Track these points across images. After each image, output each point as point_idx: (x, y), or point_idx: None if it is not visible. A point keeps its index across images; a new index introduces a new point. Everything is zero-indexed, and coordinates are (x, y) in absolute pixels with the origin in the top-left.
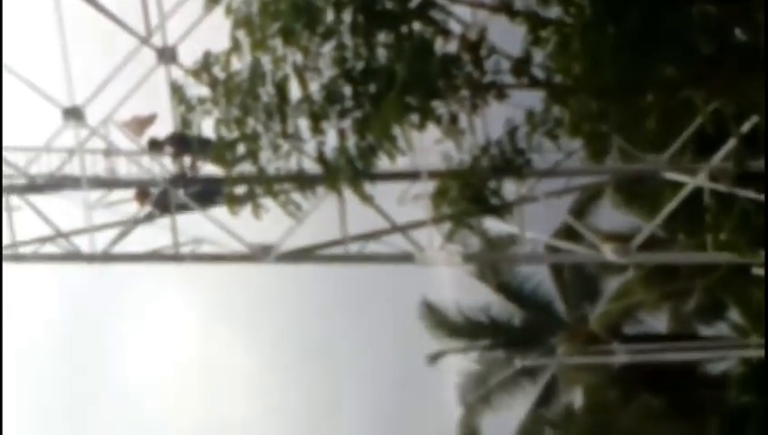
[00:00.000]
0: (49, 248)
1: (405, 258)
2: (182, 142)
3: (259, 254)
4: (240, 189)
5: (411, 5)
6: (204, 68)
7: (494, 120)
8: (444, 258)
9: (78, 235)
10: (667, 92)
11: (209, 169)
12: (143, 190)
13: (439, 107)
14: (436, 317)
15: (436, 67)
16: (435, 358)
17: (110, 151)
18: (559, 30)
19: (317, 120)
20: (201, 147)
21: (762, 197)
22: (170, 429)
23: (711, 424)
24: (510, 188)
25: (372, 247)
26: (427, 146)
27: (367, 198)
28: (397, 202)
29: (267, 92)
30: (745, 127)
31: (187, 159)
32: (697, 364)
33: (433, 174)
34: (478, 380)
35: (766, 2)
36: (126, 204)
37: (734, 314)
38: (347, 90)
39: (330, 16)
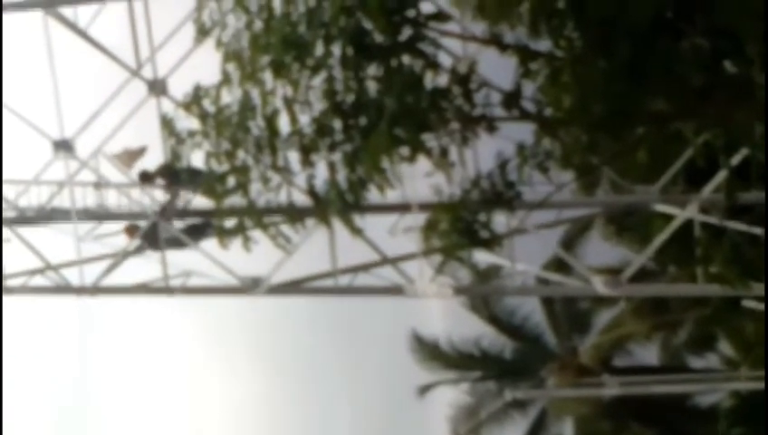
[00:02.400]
0: (38, 281)
1: (395, 291)
2: (172, 174)
3: (249, 286)
4: (230, 222)
5: (401, 38)
6: (194, 101)
7: (484, 152)
8: (434, 291)
9: (67, 267)
10: (658, 125)
11: (199, 201)
12: (132, 225)
13: (429, 140)
14: (426, 349)
15: (426, 100)
16: (425, 389)
17: (100, 184)
18: (549, 63)
19: (307, 152)
20: (191, 178)
21: (753, 229)
22: None
23: None
24: (500, 221)
25: (362, 280)
26: (418, 178)
27: (356, 231)
28: (387, 234)
29: (257, 125)
30: (736, 159)
31: (176, 192)
32: (687, 397)
33: (423, 206)
34: (469, 412)
35: (766, 36)
36: (116, 236)
37: (725, 347)
38: (337, 123)
39: (319, 50)
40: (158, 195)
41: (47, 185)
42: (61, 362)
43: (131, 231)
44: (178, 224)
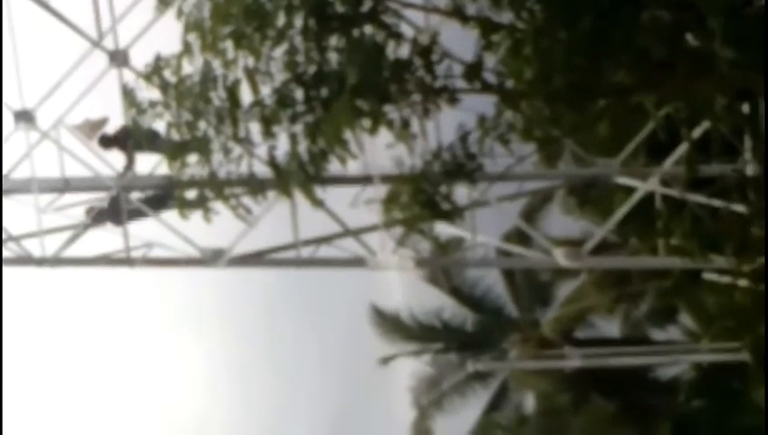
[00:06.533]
0: None
1: (357, 262)
2: (132, 136)
3: (210, 258)
4: (191, 193)
5: (363, 9)
6: (155, 71)
7: (445, 124)
8: (396, 262)
9: (28, 238)
10: (619, 97)
11: (161, 170)
12: (92, 207)
13: (391, 111)
14: (387, 322)
15: (387, 71)
16: (387, 360)
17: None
18: (511, 35)
19: (268, 124)
20: (151, 141)
21: (713, 201)
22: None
23: (662, 429)
24: (461, 193)
25: (324, 251)
26: (379, 150)
27: (318, 202)
28: (349, 206)
29: (218, 96)
30: (697, 132)
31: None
32: (649, 369)
33: (385, 178)
34: (431, 383)
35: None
36: (77, 208)
37: (686, 319)
38: (298, 94)
39: (281, 20)
40: (119, 163)
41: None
42: (25, 334)
43: (91, 213)
44: (138, 195)
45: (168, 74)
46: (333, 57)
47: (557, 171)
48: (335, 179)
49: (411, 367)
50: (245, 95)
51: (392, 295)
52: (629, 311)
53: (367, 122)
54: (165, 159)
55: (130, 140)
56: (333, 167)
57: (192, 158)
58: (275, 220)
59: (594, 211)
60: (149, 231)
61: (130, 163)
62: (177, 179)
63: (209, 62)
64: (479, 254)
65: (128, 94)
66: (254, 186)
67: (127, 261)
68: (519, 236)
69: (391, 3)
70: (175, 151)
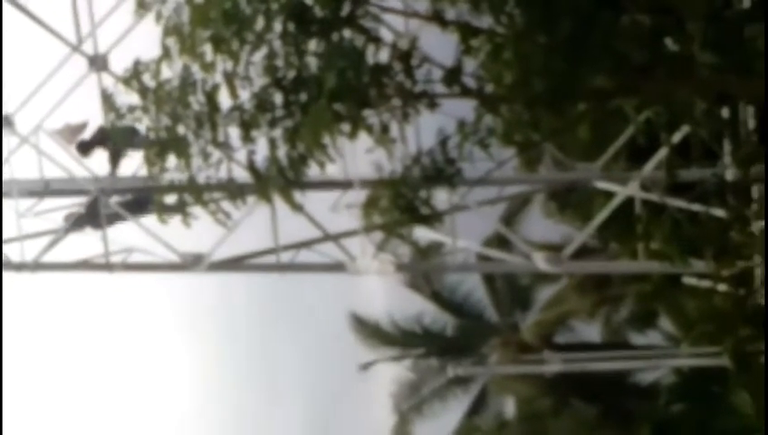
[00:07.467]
0: None
1: (337, 267)
2: (109, 137)
3: (190, 263)
4: (170, 198)
5: (342, 14)
6: (134, 76)
7: (425, 129)
8: (376, 267)
9: (8, 243)
10: (599, 101)
11: (140, 172)
12: (72, 213)
13: (370, 116)
14: (367, 327)
15: (366, 76)
16: (367, 366)
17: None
18: (490, 39)
19: (247, 128)
20: (129, 138)
21: (693, 206)
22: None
23: (642, 433)
24: (441, 198)
25: (304, 256)
26: (359, 155)
27: (297, 207)
28: (329, 211)
29: (197, 101)
30: (677, 136)
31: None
32: (629, 373)
33: (365, 183)
34: (412, 388)
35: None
36: (57, 212)
37: (666, 323)
38: (278, 98)
39: (260, 24)
40: (99, 169)
41: None
42: (18, 338)
43: (71, 219)
44: (117, 199)
45: (148, 78)
46: (312, 61)
47: (537, 176)
48: (315, 184)
49: (392, 372)
50: (224, 99)
51: (372, 301)
52: (610, 315)
53: (346, 127)
54: (144, 163)
55: (109, 140)
56: (313, 171)
57: (171, 162)
58: (255, 225)
59: (574, 216)
60: (129, 236)
61: (115, 162)
62: (156, 184)
63: (188, 67)
64: (459, 258)
65: (107, 99)
66: (234, 190)
67: (107, 266)
68: (499, 241)
69: (371, 7)
70: (154, 155)
